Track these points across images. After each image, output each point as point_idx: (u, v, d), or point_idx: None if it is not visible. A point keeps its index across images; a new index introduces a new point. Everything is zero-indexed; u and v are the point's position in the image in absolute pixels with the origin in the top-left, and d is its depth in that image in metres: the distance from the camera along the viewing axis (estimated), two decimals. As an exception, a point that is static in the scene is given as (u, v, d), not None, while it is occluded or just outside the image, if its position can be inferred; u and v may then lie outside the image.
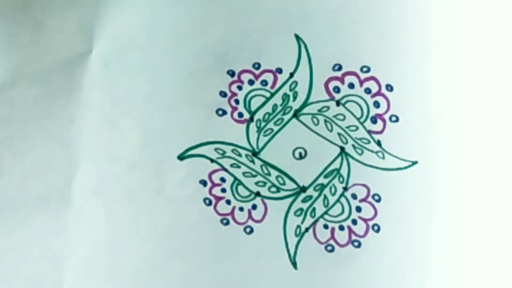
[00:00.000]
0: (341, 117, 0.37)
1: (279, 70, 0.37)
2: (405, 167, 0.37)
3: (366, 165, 0.37)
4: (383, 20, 0.37)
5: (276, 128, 0.38)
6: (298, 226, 0.38)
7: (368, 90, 0.37)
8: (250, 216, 0.38)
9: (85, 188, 0.38)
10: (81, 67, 0.37)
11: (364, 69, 0.37)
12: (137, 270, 0.38)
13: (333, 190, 0.38)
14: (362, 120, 0.37)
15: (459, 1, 0.36)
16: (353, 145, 0.37)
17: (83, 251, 0.38)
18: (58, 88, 0.38)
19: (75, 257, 0.38)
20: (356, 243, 0.38)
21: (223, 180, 0.38)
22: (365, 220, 0.38)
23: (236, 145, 0.38)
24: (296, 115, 0.37)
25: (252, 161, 0.38)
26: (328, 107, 0.37)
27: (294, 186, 0.38)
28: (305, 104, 0.37)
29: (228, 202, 0.38)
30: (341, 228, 0.38)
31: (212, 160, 0.38)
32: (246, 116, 0.38)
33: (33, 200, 0.38)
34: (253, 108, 0.38)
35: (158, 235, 0.38)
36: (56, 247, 0.38)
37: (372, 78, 0.37)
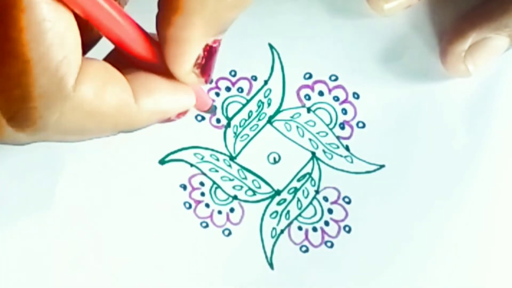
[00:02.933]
0: (311, 123, 0.39)
1: (254, 78, 0.39)
2: (373, 171, 0.39)
3: (336, 169, 0.39)
4: (350, 32, 0.39)
5: (251, 134, 0.39)
6: (274, 228, 0.39)
7: (336, 98, 0.39)
8: (228, 219, 0.39)
9: (68, 191, 0.39)
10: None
11: (333, 78, 0.39)
12: (119, 272, 0.39)
13: (305, 193, 0.39)
14: (331, 126, 0.39)
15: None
16: (323, 150, 0.39)
17: (66, 254, 0.39)
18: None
19: (59, 260, 0.39)
20: (329, 244, 0.39)
21: (202, 184, 0.39)
22: (336, 222, 0.39)
23: (214, 150, 0.39)
24: (270, 121, 0.39)
25: (230, 166, 0.39)
26: (300, 114, 0.39)
27: (269, 189, 0.39)
28: (278, 111, 0.39)
29: (207, 205, 0.39)
30: (314, 229, 0.39)
31: (191, 165, 0.39)
32: (224, 122, 0.39)
33: (17, 203, 0.39)
34: (230, 114, 0.39)
35: (140, 238, 0.39)
36: (39, 250, 0.39)
37: (340, 86, 0.39)
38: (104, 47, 0.29)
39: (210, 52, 0.29)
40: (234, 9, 0.27)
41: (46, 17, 0.23)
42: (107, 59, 0.29)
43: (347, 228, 0.39)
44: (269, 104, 0.39)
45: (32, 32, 0.23)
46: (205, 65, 0.29)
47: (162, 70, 0.29)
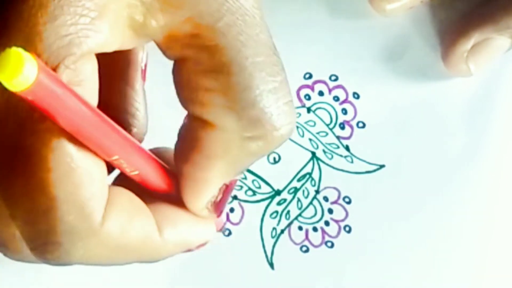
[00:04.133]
0: (311, 123, 0.39)
1: None
2: (373, 171, 0.39)
3: (336, 169, 0.39)
4: (350, 32, 0.39)
5: None
6: (274, 228, 0.39)
7: (336, 98, 0.39)
8: (228, 219, 0.39)
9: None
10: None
11: (333, 78, 0.39)
12: (119, 271, 0.39)
13: (306, 193, 0.39)
14: (331, 126, 0.39)
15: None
16: (323, 150, 0.39)
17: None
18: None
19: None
20: (329, 244, 0.39)
21: None
22: (337, 222, 0.39)
23: None
24: None
25: None
26: (300, 114, 0.39)
27: (270, 189, 0.39)
28: None
29: None
30: (315, 229, 0.39)
31: None
32: None
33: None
34: None
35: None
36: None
37: (340, 86, 0.39)
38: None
39: (226, 191, 0.29)
40: (256, 156, 0.27)
41: (74, 157, 0.24)
42: (123, 183, 0.29)
43: (347, 228, 0.39)
44: (269, 104, 0.39)
45: (60, 172, 0.23)
46: (219, 203, 0.29)
47: (178, 199, 0.29)
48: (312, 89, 0.39)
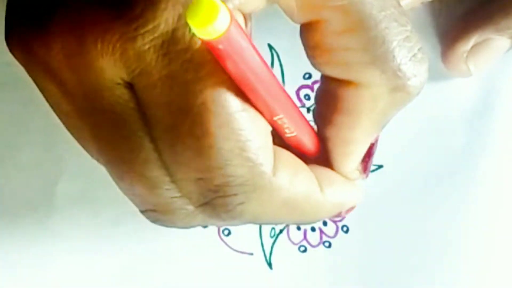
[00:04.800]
0: (311, 123, 0.39)
1: None
2: (371, 171, 0.39)
3: (335, 169, 0.39)
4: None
5: None
6: (273, 228, 0.39)
7: (335, 98, 0.39)
8: (227, 219, 0.40)
9: (69, 191, 0.39)
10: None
11: (332, 78, 0.39)
12: (121, 272, 0.39)
13: (304, 193, 0.39)
14: (330, 126, 0.39)
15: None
16: (322, 150, 0.39)
17: (67, 255, 0.39)
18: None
19: (58, 260, 0.39)
20: (327, 244, 0.39)
21: None
22: (334, 222, 0.39)
23: None
24: None
25: None
26: (299, 114, 0.39)
27: (268, 189, 0.39)
28: None
29: None
30: (313, 229, 0.39)
31: None
32: None
33: (18, 204, 0.39)
34: None
35: (140, 238, 0.39)
36: (41, 251, 0.39)
37: (339, 86, 0.39)
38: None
39: (371, 150, 0.30)
40: (399, 107, 0.28)
41: (242, 111, 0.24)
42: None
43: (344, 228, 0.39)
44: (269, 104, 0.39)
45: (230, 127, 0.24)
46: (368, 162, 0.30)
47: (325, 163, 0.29)
48: (312, 89, 0.39)
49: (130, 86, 0.24)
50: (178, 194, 0.26)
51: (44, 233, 0.39)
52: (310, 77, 0.39)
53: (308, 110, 0.39)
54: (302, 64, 0.39)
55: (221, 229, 0.39)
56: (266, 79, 0.24)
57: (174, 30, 0.23)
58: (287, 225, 0.39)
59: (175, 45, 0.23)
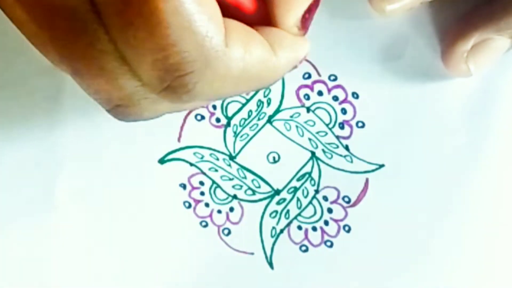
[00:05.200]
0: (311, 123, 0.39)
1: None
2: (373, 170, 0.39)
3: (335, 168, 0.39)
4: (350, 31, 0.39)
5: (251, 133, 0.39)
6: (274, 228, 0.39)
7: (335, 98, 0.39)
8: (227, 218, 0.39)
9: (68, 191, 0.39)
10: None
11: (332, 78, 0.39)
12: (120, 272, 0.39)
13: (305, 192, 0.39)
14: (330, 126, 0.39)
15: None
16: (323, 150, 0.39)
17: (65, 254, 0.39)
18: (43, 91, 0.39)
19: (58, 259, 0.39)
20: (328, 243, 0.39)
21: (202, 183, 0.39)
22: (336, 221, 0.39)
23: (214, 149, 0.39)
24: (270, 120, 0.39)
25: (229, 165, 0.39)
26: (299, 113, 0.39)
27: (269, 189, 0.39)
28: (278, 110, 0.39)
29: (207, 205, 0.39)
30: (314, 229, 0.39)
31: (191, 164, 0.40)
32: (223, 121, 0.39)
33: (18, 203, 0.39)
34: (229, 114, 0.39)
35: (140, 238, 0.39)
36: (39, 250, 0.39)
37: (339, 86, 0.39)
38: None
39: (313, 6, 0.30)
40: None
41: None
42: None
43: (346, 228, 0.39)
44: (268, 104, 0.39)
45: (174, 3, 0.24)
46: (308, 19, 0.30)
47: (265, 21, 0.30)
48: (312, 89, 0.39)
49: None
50: (139, 83, 0.26)
51: (43, 233, 0.39)
52: (309, 77, 0.39)
53: (308, 109, 0.39)
54: (302, 64, 0.39)
55: (221, 228, 0.39)
56: None
57: None
58: (288, 225, 0.39)
59: None
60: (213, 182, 0.39)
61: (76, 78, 0.27)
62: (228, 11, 0.28)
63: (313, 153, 0.39)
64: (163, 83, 0.26)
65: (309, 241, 0.39)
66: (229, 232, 0.39)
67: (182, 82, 0.25)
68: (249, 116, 0.39)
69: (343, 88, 0.39)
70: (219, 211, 0.40)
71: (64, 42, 0.26)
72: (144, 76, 0.26)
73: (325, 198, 0.39)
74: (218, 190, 0.39)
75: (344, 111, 0.39)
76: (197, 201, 0.40)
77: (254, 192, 0.39)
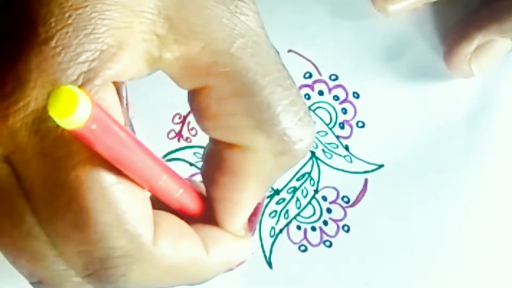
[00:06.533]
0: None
1: None
2: (372, 170, 0.39)
3: (335, 168, 0.39)
4: (351, 31, 0.39)
5: None
6: (273, 227, 0.39)
7: (336, 97, 0.39)
8: (226, 218, 0.39)
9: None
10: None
11: (333, 77, 0.39)
12: None
13: (304, 192, 0.39)
14: (330, 125, 0.39)
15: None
16: (322, 150, 0.39)
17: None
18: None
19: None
20: (327, 243, 0.39)
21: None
22: (335, 221, 0.39)
23: None
24: None
25: None
26: (299, 114, 0.39)
27: (268, 189, 0.39)
28: None
29: None
30: (313, 229, 0.39)
31: (191, 164, 0.39)
32: None
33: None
34: None
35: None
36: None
37: (340, 86, 0.39)
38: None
39: (257, 209, 0.30)
40: (286, 170, 0.28)
41: (117, 184, 0.24)
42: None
43: (345, 228, 0.39)
44: (268, 104, 0.39)
45: (105, 200, 0.24)
46: (254, 221, 0.30)
47: (211, 221, 0.29)
48: (312, 89, 0.39)
49: (9, 160, 0.24)
50: (63, 267, 0.26)
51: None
52: (310, 76, 0.39)
53: (308, 109, 0.39)
54: (302, 64, 0.39)
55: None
56: (136, 153, 0.24)
57: (44, 107, 0.23)
58: (287, 225, 0.39)
59: (46, 122, 0.23)
60: (212, 182, 0.39)
61: (4, 253, 0.26)
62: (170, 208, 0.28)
63: (313, 153, 0.39)
64: (87, 270, 0.25)
65: (308, 241, 0.39)
66: (228, 232, 0.39)
67: (106, 273, 0.25)
68: (248, 116, 0.39)
69: (344, 88, 0.39)
70: (218, 211, 0.39)
71: None
72: (69, 262, 0.25)
73: (324, 198, 0.39)
74: (217, 190, 0.39)
75: (344, 111, 0.39)
76: (196, 201, 0.39)
77: (253, 192, 0.39)
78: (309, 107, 0.39)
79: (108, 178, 0.24)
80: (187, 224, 0.28)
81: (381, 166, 0.39)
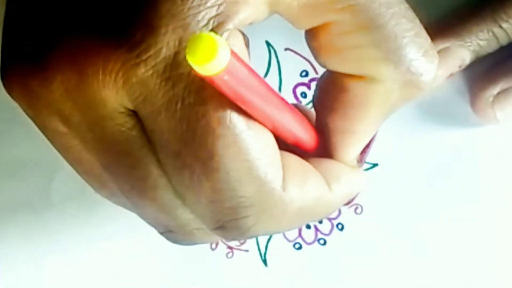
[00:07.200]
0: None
1: None
2: (366, 169, 0.39)
3: (331, 167, 0.39)
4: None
5: None
6: (268, 225, 0.39)
7: (332, 96, 0.39)
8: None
9: (65, 189, 0.39)
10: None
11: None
12: (117, 270, 0.39)
13: (300, 191, 0.39)
14: (327, 125, 0.39)
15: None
16: (319, 149, 0.39)
17: (64, 253, 0.39)
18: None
19: (57, 259, 0.39)
20: (321, 241, 0.39)
21: None
22: (329, 219, 0.39)
23: None
24: None
25: None
26: (296, 112, 0.39)
27: (264, 187, 0.39)
28: None
29: None
30: (308, 226, 0.39)
31: None
32: None
33: (15, 201, 0.39)
34: None
35: (138, 236, 0.39)
36: (37, 249, 0.39)
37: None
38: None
39: (372, 140, 0.30)
40: (407, 101, 0.28)
41: (248, 130, 0.24)
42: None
43: (339, 226, 0.39)
44: (265, 102, 0.39)
45: (237, 147, 0.23)
46: (366, 152, 0.30)
47: (322, 154, 0.29)
48: (309, 87, 0.39)
49: (132, 113, 0.24)
50: (192, 216, 0.26)
51: (40, 231, 0.39)
52: (307, 74, 0.39)
53: (305, 108, 0.39)
54: (299, 62, 0.39)
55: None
56: (266, 96, 0.24)
57: (176, 54, 0.22)
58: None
59: (177, 68, 0.23)
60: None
61: (131, 205, 0.27)
62: (286, 144, 0.28)
63: (308, 152, 0.39)
64: (217, 223, 0.25)
65: (302, 239, 0.39)
66: (223, 230, 0.39)
67: (236, 224, 0.25)
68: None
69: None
70: (213, 209, 0.39)
71: (116, 173, 0.25)
72: (198, 213, 0.25)
73: (320, 197, 0.39)
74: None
75: (340, 111, 0.39)
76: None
77: (248, 190, 0.39)
78: (306, 105, 0.39)
79: (239, 125, 0.23)
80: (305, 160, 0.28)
81: (375, 165, 0.39)
